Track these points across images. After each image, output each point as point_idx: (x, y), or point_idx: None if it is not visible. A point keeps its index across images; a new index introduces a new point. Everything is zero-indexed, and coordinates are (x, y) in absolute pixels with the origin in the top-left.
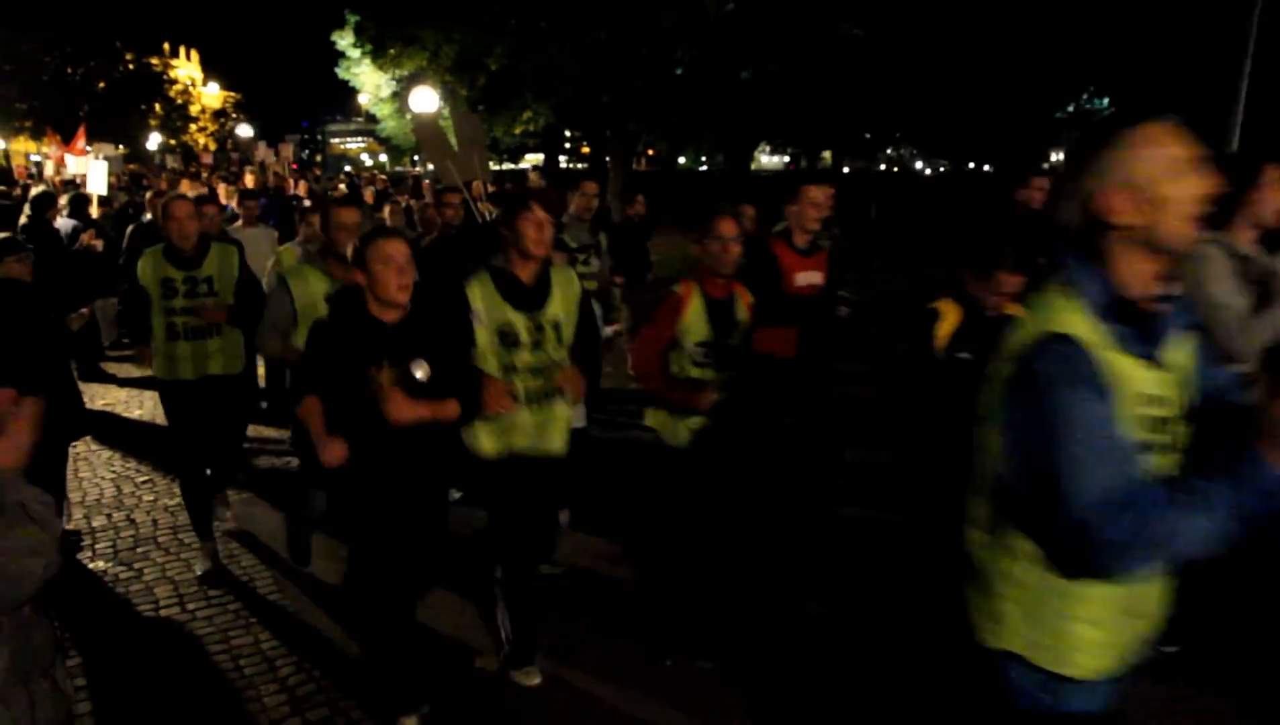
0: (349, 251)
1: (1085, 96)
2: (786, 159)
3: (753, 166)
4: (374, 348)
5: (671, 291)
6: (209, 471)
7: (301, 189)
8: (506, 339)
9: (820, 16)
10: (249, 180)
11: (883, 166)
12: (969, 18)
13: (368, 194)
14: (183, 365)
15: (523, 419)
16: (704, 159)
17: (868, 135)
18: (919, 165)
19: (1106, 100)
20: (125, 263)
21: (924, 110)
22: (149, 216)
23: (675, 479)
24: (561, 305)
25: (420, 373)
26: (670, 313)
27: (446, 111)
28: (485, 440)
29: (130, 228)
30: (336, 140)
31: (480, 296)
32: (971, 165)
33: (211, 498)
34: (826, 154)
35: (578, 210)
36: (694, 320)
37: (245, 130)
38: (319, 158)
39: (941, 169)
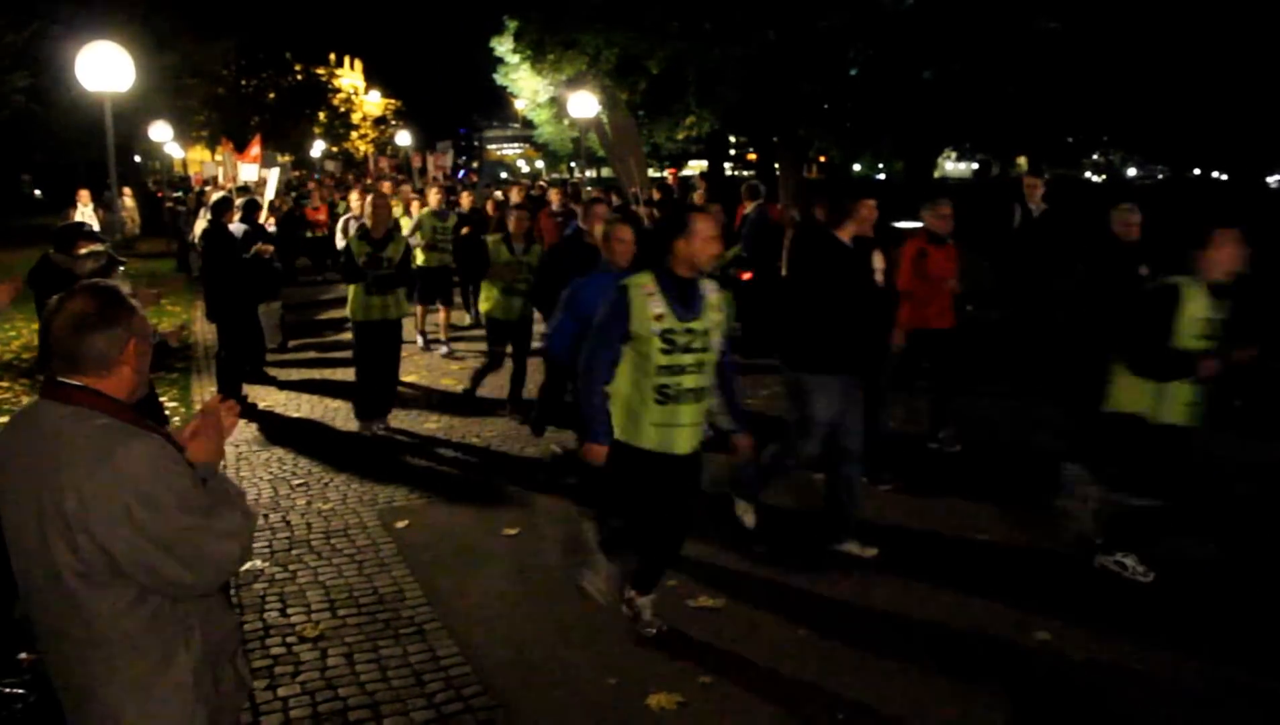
0: None
1: None
2: (975, 165)
3: (936, 174)
4: None
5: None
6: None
7: (464, 201)
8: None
9: (1011, 9)
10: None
11: (1088, 174)
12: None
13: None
14: (678, 435)
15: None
16: (881, 166)
17: (1069, 139)
18: (1131, 172)
19: None
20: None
21: (1139, 109)
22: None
23: None
24: None
25: None
26: None
27: (605, 117)
28: None
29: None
30: (493, 146)
31: None
32: (1197, 171)
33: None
34: (1022, 160)
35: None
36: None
37: (404, 137)
38: (475, 164)
39: (1160, 176)
